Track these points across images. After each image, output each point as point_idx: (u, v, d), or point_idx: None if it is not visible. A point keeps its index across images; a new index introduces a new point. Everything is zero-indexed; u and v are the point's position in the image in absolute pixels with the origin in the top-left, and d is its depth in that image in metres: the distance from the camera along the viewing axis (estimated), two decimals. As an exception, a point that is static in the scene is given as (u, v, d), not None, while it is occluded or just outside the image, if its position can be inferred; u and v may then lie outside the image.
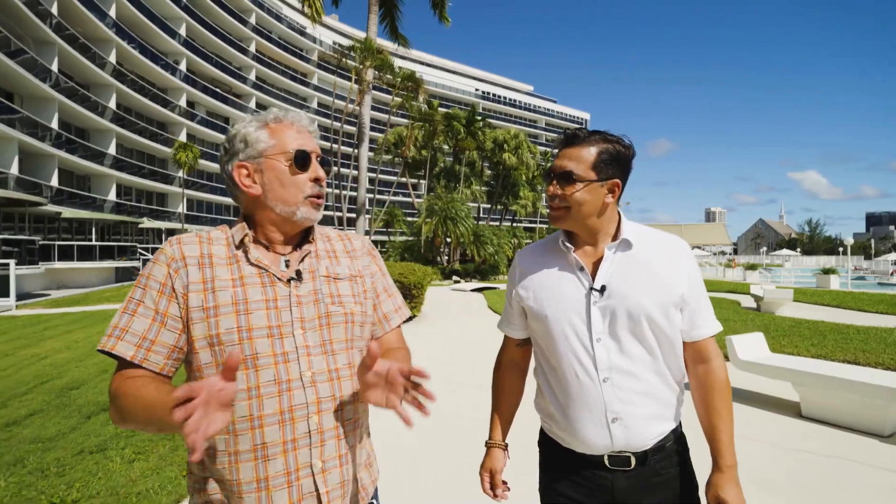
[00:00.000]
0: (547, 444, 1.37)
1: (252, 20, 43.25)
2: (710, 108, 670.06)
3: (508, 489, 1.43)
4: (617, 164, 1.24)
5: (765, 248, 61.32)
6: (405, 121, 37.15)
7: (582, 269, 1.26)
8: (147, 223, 30.65)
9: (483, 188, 41.11)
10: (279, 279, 1.03)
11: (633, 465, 1.23)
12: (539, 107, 77.11)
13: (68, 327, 9.74)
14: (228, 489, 0.98)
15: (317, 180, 1.08)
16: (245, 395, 0.97)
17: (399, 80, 18.58)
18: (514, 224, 44.11)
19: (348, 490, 1.05)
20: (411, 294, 10.09)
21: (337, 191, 30.45)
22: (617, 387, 1.21)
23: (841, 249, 29.68)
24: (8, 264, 12.83)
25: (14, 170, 19.97)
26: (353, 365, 1.09)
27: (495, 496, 1.41)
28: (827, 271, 21.36)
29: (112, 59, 28.01)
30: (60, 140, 23.29)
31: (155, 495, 2.92)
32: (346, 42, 51.25)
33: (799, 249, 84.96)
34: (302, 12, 15.68)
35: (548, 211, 1.32)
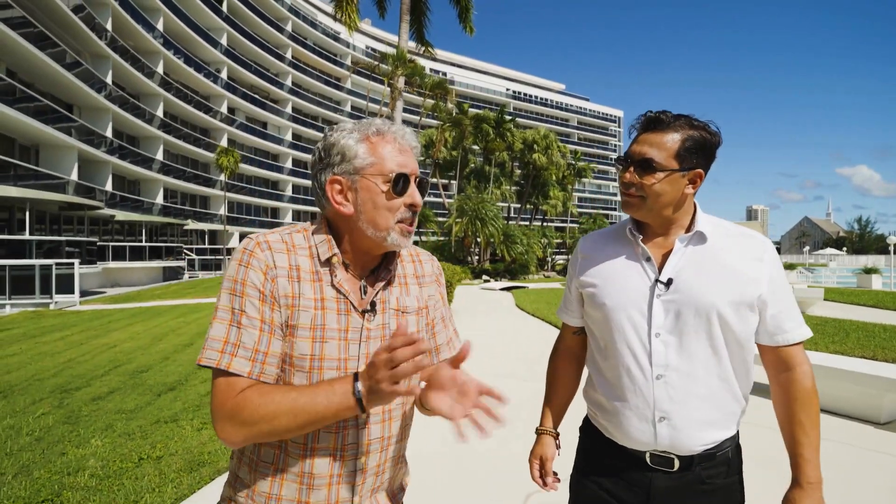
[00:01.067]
0: (589, 431, 1.35)
1: (288, 28, 44.76)
2: (750, 105, 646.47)
3: (559, 480, 1.38)
4: (702, 152, 1.16)
5: (808, 248, 59.09)
6: (437, 122, 37.73)
7: (649, 259, 1.20)
8: (192, 225, 32.27)
9: (513, 188, 41.36)
10: (355, 308, 0.99)
11: (676, 468, 1.18)
12: (571, 105, 76.61)
13: (129, 321, 10.68)
14: (271, 500, 0.98)
15: (412, 206, 1.00)
16: None
17: (429, 87, 19.20)
18: (545, 224, 44.16)
19: None
20: (440, 292, 10.60)
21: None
22: (670, 386, 1.16)
23: (892, 248, 28.56)
24: (72, 264, 14.00)
25: (74, 176, 21.54)
26: (406, 403, 1.07)
27: (545, 484, 1.37)
28: (868, 271, 20.77)
29: (160, 69, 29.68)
30: (114, 147, 24.91)
31: (222, 454, 3.50)
32: (378, 46, 52.35)
33: (846, 248, 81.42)
34: (336, 19, 16.44)
35: (621, 197, 1.25)
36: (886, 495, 3.02)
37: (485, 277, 25.79)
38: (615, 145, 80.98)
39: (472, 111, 35.75)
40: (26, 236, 15.93)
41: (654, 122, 1.17)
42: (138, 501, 2.85)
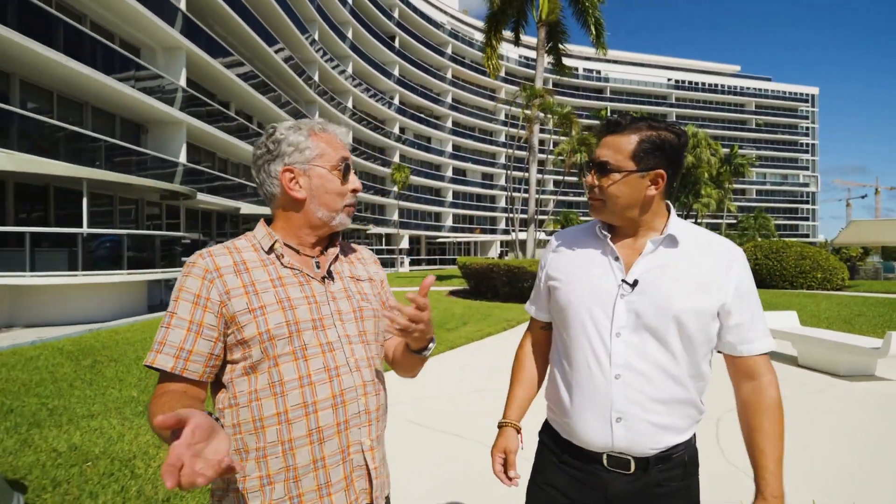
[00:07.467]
0: (548, 433, 1.35)
1: (448, 51, 49.94)
2: None
3: (519, 476, 1.35)
4: (661, 153, 1.15)
5: None
6: (576, 131, 39.15)
7: (617, 258, 1.20)
8: (372, 229, 38.79)
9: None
10: (313, 278, 1.11)
11: (632, 470, 1.18)
12: (747, 89, 69.43)
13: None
14: (282, 475, 1.01)
15: (354, 191, 1.15)
16: (297, 384, 1.02)
17: (558, 117, 21.91)
18: (697, 222, 42.06)
19: (383, 468, 1.17)
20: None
21: (515, 194, 34.20)
22: (628, 386, 1.16)
23: None
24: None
25: (293, 195, 28.45)
26: (380, 356, 1.21)
27: (508, 478, 1.34)
28: None
29: (349, 104, 36.53)
30: (318, 170, 31.77)
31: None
32: (530, 54, 54.80)
33: None
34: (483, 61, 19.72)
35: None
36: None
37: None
38: (807, 128, 70.89)
39: (626, 107, 35.89)
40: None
41: (612, 126, 1.20)
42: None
